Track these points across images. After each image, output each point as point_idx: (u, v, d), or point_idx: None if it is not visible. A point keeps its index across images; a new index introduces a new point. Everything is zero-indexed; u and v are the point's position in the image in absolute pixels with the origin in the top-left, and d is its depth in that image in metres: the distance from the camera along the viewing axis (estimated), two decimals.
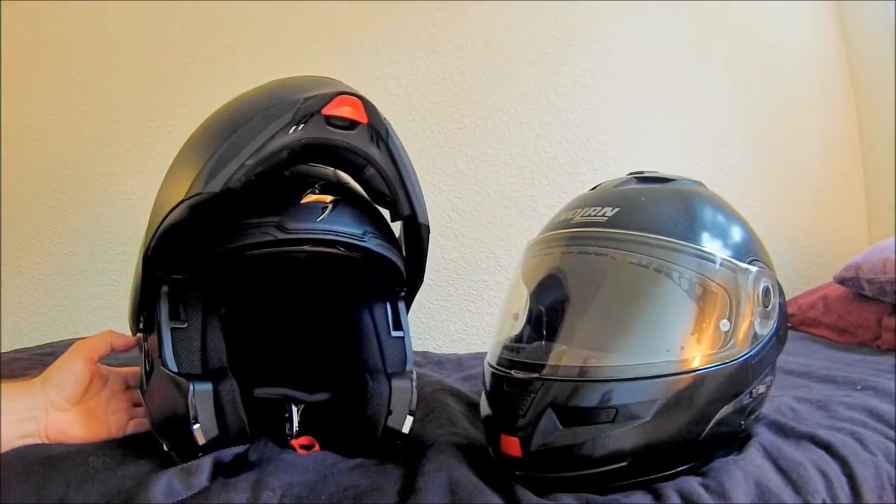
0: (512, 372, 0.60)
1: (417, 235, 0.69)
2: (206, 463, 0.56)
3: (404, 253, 0.70)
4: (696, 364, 0.58)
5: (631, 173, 0.73)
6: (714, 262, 0.61)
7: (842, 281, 1.23)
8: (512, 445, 0.58)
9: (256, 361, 0.69)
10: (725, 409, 0.60)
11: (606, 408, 0.57)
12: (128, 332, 0.68)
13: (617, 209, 0.63)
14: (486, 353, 0.68)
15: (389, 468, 0.61)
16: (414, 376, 0.67)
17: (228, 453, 0.58)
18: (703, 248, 0.61)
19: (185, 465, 0.56)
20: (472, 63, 1.44)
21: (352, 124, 0.60)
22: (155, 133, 1.38)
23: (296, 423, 0.66)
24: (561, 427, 0.57)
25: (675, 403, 0.57)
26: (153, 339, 0.61)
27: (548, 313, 0.65)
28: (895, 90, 1.43)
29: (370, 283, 0.69)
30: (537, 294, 0.66)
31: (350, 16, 1.42)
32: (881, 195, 1.52)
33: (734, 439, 0.65)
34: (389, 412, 0.64)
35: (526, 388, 0.58)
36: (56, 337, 1.23)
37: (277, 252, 0.59)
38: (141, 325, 0.64)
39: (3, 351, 1.09)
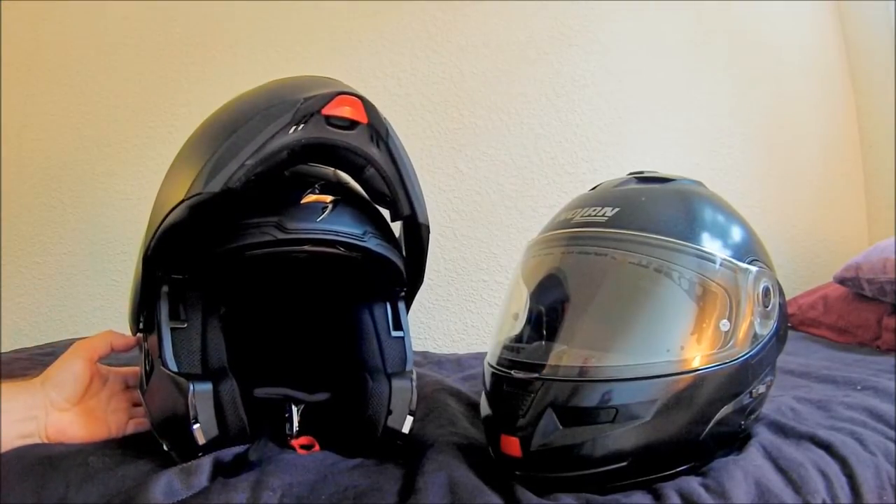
0: (512, 372, 0.60)
1: (417, 235, 0.69)
2: (206, 463, 0.56)
3: (404, 253, 0.70)
4: (696, 364, 0.58)
5: (631, 173, 0.73)
6: (714, 262, 0.61)
7: (842, 281, 1.23)
8: (512, 445, 0.58)
9: (256, 361, 0.69)
10: (725, 409, 0.60)
11: (606, 408, 0.57)
12: (128, 332, 0.68)
13: (617, 209, 0.63)
14: (486, 353, 0.68)
15: (389, 468, 0.61)
16: (414, 376, 0.67)
17: (228, 453, 0.58)
18: (703, 248, 0.61)
19: (185, 465, 0.56)
20: (472, 63, 1.44)
21: (352, 124, 0.60)
22: (155, 133, 1.38)
23: (296, 423, 0.66)
24: (561, 427, 0.57)
25: (675, 403, 0.57)
26: (153, 339, 0.61)
27: (548, 313, 0.65)
28: (895, 90, 1.43)
29: (370, 283, 0.69)
30: (537, 294, 0.66)
31: (350, 16, 1.42)
32: (881, 195, 1.52)
33: (734, 439, 0.65)
34: (389, 412, 0.64)
35: (526, 388, 0.58)
36: (56, 337, 1.23)
37: (277, 252, 0.59)
38: (141, 325, 0.64)
39: (3, 351, 1.09)
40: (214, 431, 0.58)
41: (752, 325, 0.61)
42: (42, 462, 0.57)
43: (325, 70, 0.68)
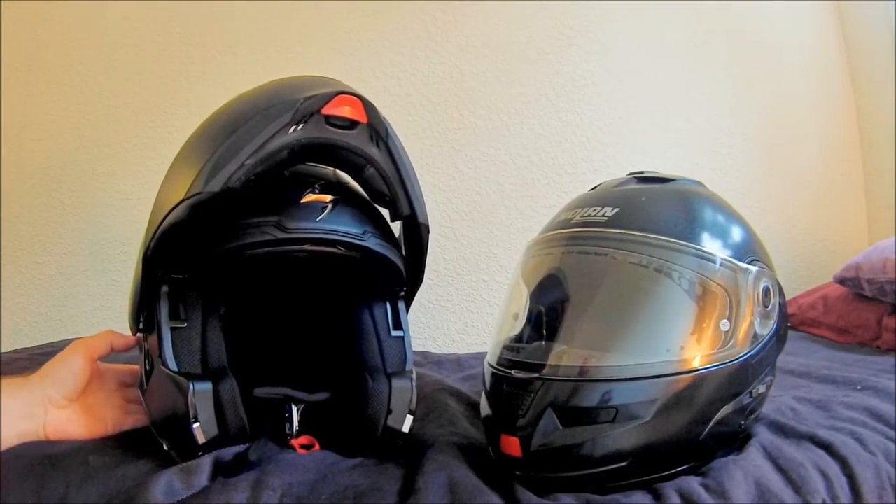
0: (512, 372, 0.60)
1: (417, 235, 0.69)
2: (206, 462, 0.56)
3: (404, 252, 0.70)
4: (696, 364, 0.58)
5: (631, 173, 0.73)
6: (714, 262, 0.61)
7: (842, 281, 1.23)
8: (512, 445, 0.58)
9: (256, 361, 0.69)
10: (725, 409, 0.60)
11: (606, 408, 0.56)
12: (128, 331, 0.68)
13: (617, 209, 0.63)
14: (486, 353, 0.68)
15: (389, 468, 0.61)
16: (414, 376, 0.67)
17: (228, 452, 0.58)
18: (704, 248, 0.61)
19: (185, 464, 0.56)
20: (472, 63, 1.44)
21: (351, 124, 0.60)
22: (155, 133, 1.38)
23: (296, 423, 0.66)
24: (561, 427, 0.57)
25: (675, 403, 0.57)
26: (153, 338, 0.61)
27: (548, 313, 0.65)
28: (895, 90, 1.43)
29: (370, 282, 0.69)
30: (537, 294, 0.66)
31: (350, 16, 1.42)
32: (881, 195, 1.52)
33: (734, 439, 0.65)
34: (389, 411, 0.64)
35: (526, 388, 0.58)
36: (56, 337, 1.23)
37: (277, 251, 0.59)
38: (141, 325, 0.64)
39: (3, 351, 1.09)
40: (214, 431, 0.58)
41: (752, 325, 0.61)
42: (42, 462, 0.57)
43: (325, 70, 0.68)
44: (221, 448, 0.58)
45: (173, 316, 0.61)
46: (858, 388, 0.83)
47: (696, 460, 0.60)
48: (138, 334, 0.66)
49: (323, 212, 0.61)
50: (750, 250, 0.64)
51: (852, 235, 1.56)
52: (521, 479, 0.58)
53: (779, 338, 0.65)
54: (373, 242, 0.62)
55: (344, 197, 0.63)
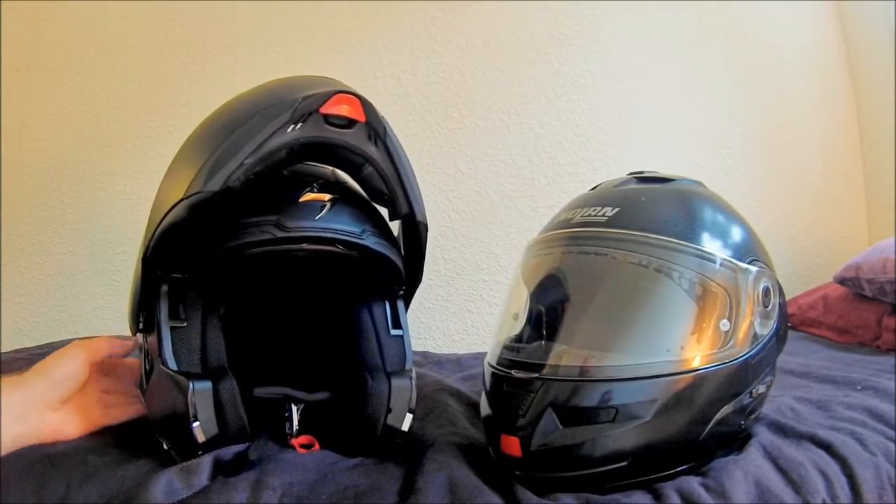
0: (512, 372, 0.60)
1: (416, 234, 0.69)
2: (206, 462, 0.56)
3: (403, 251, 0.70)
4: (696, 364, 0.58)
5: (631, 173, 0.73)
6: (714, 262, 0.61)
7: (842, 281, 1.23)
8: (512, 445, 0.58)
9: (256, 360, 0.69)
10: (725, 409, 0.60)
11: (606, 408, 0.56)
12: (128, 331, 0.68)
13: (617, 209, 0.63)
14: (486, 353, 0.68)
15: (389, 467, 0.61)
16: (413, 374, 0.67)
17: (228, 452, 0.58)
18: (704, 248, 0.61)
19: (185, 464, 0.56)
20: (472, 63, 1.44)
21: (349, 123, 0.60)
22: (155, 133, 1.38)
23: (295, 423, 0.66)
24: (561, 427, 0.56)
25: (675, 403, 0.57)
26: (153, 338, 0.61)
27: (548, 313, 0.65)
28: (895, 90, 1.43)
29: (369, 281, 0.69)
30: (537, 294, 0.66)
31: (350, 16, 1.42)
32: (881, 195, 1.52)
33: (734, 439, 0.65)
34: (389, 410, 0.64)
35: (526, 387, 0.58)
36: (56, 337, 1.22)
37: (276, 250, 0.59)
38: (141, 325, 0.64)
39: (3, 351, 1.09)
40: (214, 430, 0.58)
41: (752, 325, 0.61)
42: (42, 461, 0.57)
43: (325, 70, 0.68)
44: (221, 447, 0.58)
45: (173, 315, 0.61)
46: (858, 388, 0.83)
47: (696, 460, 0.60)
48: (138, 334, 0.66)
49: (322, 211, 0.61)
50: (750, 250, 0.64)
51: (852, 235, 1.56)
52: (521, 479, 0.58)
53: (779, 338, 0.65)
54: (371, 241, 0.62)
55: (342, 196, 0.63)
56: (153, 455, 0.59)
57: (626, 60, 1.49)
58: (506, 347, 0.65)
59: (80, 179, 1.37)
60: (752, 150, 1.54)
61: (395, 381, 0.65)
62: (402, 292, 0.72)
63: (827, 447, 0.63)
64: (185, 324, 0.61)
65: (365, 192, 0.67)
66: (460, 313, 1.43)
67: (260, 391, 0.67)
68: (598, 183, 0.74)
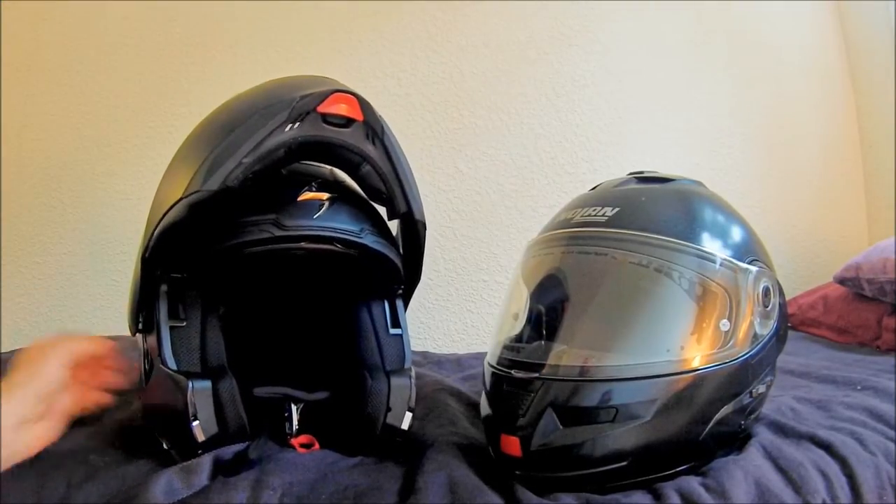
0: (512, 372, 0.60)
1: (414, 232, 0.69)
2: (206, 461, 0.56)
3: (401, 250, 0.70)
4: (696, 364, 0.58)
5: (631, 173, 0.73)
6: (714, 261, 0.61)
7: (842, 281, 1.23)
8: (512, 445, 0.58)
9: (255, 360, 0.69)
10: (725, 409, 0.60)
11: (606, 407, 0.56)
12: (127, 332, 0.68)
13: (617, 209, 0.63)
14: (486, 353, 0.68)
15: (389, 467, 0.61)
16: (412, 373, 0.67)
17: (228, 451, 0.58)
18: (704, 248, 0.61)
19: (185, 463, 0.56)
20: (472, 63, 1.44)
21: (347, 122, 0.60)
22: (155, 133, 1.38)
23: (295, 422, 0.66)
24: (561, 427, 0.56)
25: (675, 403, 0.57)
26: (152, 338, 0.61)
27: (548, 313, 0.65)
28: (895, 90, 1.43)
29: (368, 280, 0.69)
30: (537, 294, 0.66)
31: (350, 16, 1.42)
32: (881, 195, 1.52)
33: (734, 439, 0.65)
34: (388, 409, 0.64)
35: (526, 387, 0.58)
36: None
37: (275, 249, 0.59)
38: (140, 325, 0.64)
39: (3, 351, 1.09)
40: (214, 429, 0.58)
41: (752, 324, 0.61)
42: (42, 461, 0.57)
43: (325, 70, 0.68)
44: (221, 447, 0.58)
45: (172, 315, 0.61)
46: (858, 388, 0.83)
47: (696, 460, 0.60)
48: (137, 334, 0.66)
49: (320, 209, 0.61)
50: (750, 250, 0.64)
51: (852, 235, 1.56)
52: (521, 479, 0.58)
53: (779, 338, 0.65)
54: (370, 240, 0.62)
55: (341, 195, 0.63)
56: (153, 455, 0.59)
57: (626, 60, 1.49)
58: (506, 347, 0.65)
59: (80, 179, 1.37)
60: (752, 150, 1.54)
61: (395, 380, 0.65)
62: (400, 291, 0.72)
63: (827, 447, 0.63)
64: (184, 323, 0.61)
65: (363, 190, 0.67)
66: (460, 313, 1.43)
67: (259, 391, 0.67)
68: (598, 183, 0.74)
